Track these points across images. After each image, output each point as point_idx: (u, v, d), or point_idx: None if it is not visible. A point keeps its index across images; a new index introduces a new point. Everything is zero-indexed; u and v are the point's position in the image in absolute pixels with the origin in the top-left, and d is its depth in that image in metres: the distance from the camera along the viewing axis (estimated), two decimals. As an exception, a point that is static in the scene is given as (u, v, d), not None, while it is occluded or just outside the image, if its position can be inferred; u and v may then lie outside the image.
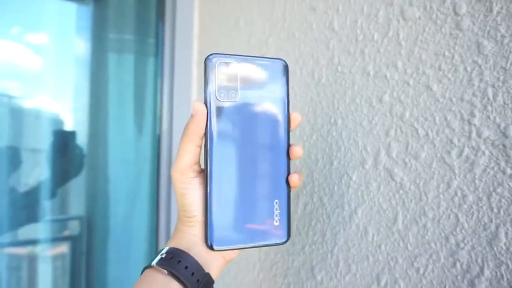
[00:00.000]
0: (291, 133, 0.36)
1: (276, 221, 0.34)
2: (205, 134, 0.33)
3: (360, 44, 0.46)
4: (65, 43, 0.91)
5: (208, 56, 0.33)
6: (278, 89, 0.34)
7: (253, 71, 0.34)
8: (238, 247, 0.33)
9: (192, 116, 0.33)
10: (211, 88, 0.32)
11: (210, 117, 0.33)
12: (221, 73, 0.33)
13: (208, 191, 0.33)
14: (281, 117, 0.34)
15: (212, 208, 0.33)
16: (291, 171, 0.35)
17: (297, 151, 0.35)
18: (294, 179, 0.34)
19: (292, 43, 0.56)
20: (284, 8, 0.58)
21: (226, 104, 0.33)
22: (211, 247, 0.33)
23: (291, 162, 0.35)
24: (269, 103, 0.34)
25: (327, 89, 0.50)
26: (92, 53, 0.91)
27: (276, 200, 0.34)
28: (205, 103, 0.33)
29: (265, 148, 0.34)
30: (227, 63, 0.33)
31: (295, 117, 0.35)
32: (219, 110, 0.33)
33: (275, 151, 0.34)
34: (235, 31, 0.69)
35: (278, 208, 0.34)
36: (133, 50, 0.93)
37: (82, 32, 0.91)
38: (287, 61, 0.35)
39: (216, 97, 0.33)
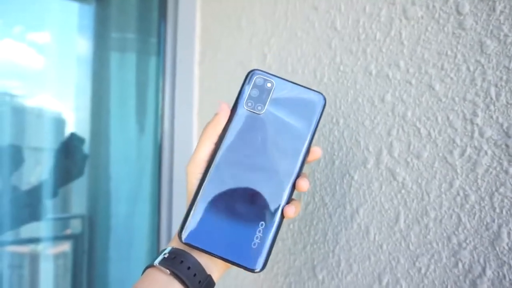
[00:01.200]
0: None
1: (254, 244, 0.32)
2: (221, 134, 0.34)
3: (362, 44, 0.46)
4: (67, 42, 0.91)
5: (253, 70, 0.35)
6: (307, 120, 0.34)
7: (288, 95, 0.35)
8: (207, 251, 0.32)
9: (216, 114, 0.34)
10: (242, 95, 0.35)
11: (232, 120, 0.34)
12: (256, 86, 0.35)
13: (202, 185, 0.33)
14: (300, 146, 0.34)
15: (197, 202, 0.32)
16: (293, 198, 0.34)
17: (302, 185, 0.33)
18: (289, 212, 0.32)
19: (294, 43, 0.56)
20: (286, 7, 0.58)
21: (250, 113, 0.34)
22: (180, 238, 0.32)
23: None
24: (292, 128, 0.34)
25: (329, 88, 0.50)
26: (94, 52, 0.91)
27: (262, 223, 0.33)
28: (233, 107, 0.35)
29: (273, 169, 0.33)
30: (265, 80, 0.35)
31: (316, 151, 0.35)
32: (241, 116, 0.34)
33: (281, 176, 0.33)
34: (237, 31, 0.69)
35: (261, 232, 0.32)
36: (135, 49, 0.94)
37: (84, 31, 0.91)
38: (325, 96, 0.36)
39: (243, 104, 0.34)
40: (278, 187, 0.33)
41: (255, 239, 0.32)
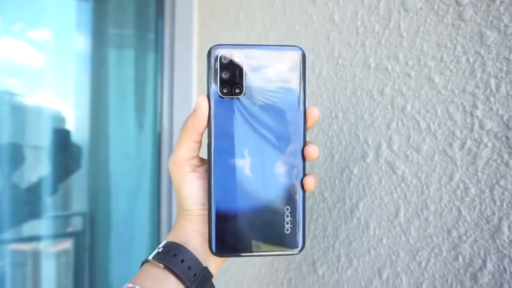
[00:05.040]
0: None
1: (287, 229, 0.31)
2: (208, 133, 0.31)
3: (361, 36, 0.46)
4: (65, 39, 0.91)
5: (211, 48, 0.30)
6: (291, 82, 0.31)
7: (263, 62, 0.30)
8: (243, 255, 0.31)
9: (194, 110, 0.31)
10: (214, 83, 0.30)
11: (212, 115, 0.30)
12: (224, 67, 0.30)
13: (212, 195, 0.31)
14: (295, 114, 0.31)
15: (215, 213, 0.31)
16: (307, 172, 0.32)
17: (311, 151, 0.31)
18: (310, 182, 0.31)
19: (292, 36, 0.56)
20: (284, 0, 0.57)
21: (230, 101, 0.30)
22: (214, 253, 0.31)
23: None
24: (280, 98, 0.31)
25: (328, 82, 0.50)
26: (92, 49, 0.91)
27: (287, 207, 0.31)
28: (208, 98, 0.31)
29: (276, 148, 0.31)
30: (231, 55, 0.30)
31: (312, 112, 0.32)
32: (222, 107, 0.30)
33: (287, 152, 0.31)
34: (235, 25, 0.68)
35: (289, 215, 0.31)
36: (133, 46, 0.93)
37: (82, 28, 0.91)
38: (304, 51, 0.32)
39: (218, 93, 0.30)
40: (289, 164, 0.31)
41: (285, 224, 0.31)
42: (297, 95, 0.31)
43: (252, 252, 0.31)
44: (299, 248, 0.32)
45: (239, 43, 0.31)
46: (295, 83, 0.31)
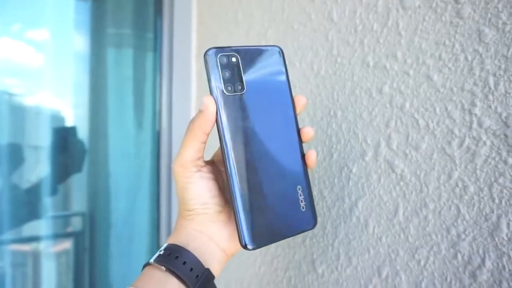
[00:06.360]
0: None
1: (303, 207, 0.34)
2: (218, 131, 0.32)
3: (359, 35, 0.46)
4: (64, 39, 0.90)
5: (207, 51, 0.32)
6: (278, 75, 0.34)
7: (253, 60, 0.33)
8: (272, 242, 0.33)
9: (200, 111, 0.31)
10: (217, 83, 0.32)
11: (220, 113, 0.32)
12: (224, 67, 0.32)
13: (233, 191, 0.31)
14: (287, 102, 0.34)
15: (239, 208, 0.32)
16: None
17: (308, 132, 0.34)
18: (312, 157, 0.34)
19: (291, 35, 0.56)
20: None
21: (234, 97, 0.32)
22: (245, 247, 0.32)
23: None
24: (273, 90, 0.34)
25: (326, 80, 0.50)
26: (91, 48, 0.91)
27: (299, 186, 0.34)
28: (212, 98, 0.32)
29: (278, 136, 0.34)
30: (227, 56, 0.32)
31: (300, 99, 0.35)
32: (229, 104, 0.32)
33: (287, 137, 0.34)
34: (233, 24, 0.68)
35: (302, 194, 0.34)
36: (132, 45, 0.93)
37: (80, 27, 0.91)
38: (282, 49, 0.36)
39: (223, 91, 0.32)
40: (290, 148, 0.34)
41: (300, 203, 0.34)
42: (286, 86, 0.35)
43: (280, 236, 0.33)
44: (315, 224, 0.35)
45: (228, 46, 0.34)
46: (282, 76, 0.35)
